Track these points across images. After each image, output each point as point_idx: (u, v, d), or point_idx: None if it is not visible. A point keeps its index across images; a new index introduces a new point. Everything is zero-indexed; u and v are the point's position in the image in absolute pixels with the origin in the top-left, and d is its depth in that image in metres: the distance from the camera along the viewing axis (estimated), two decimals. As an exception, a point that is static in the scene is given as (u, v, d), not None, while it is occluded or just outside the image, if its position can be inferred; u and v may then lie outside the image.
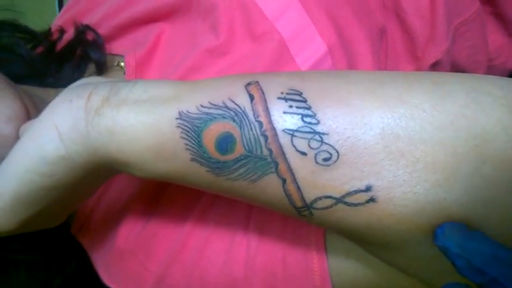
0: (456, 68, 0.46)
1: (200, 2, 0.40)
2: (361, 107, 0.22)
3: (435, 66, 0.42)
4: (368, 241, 0.24)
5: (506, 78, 0.24)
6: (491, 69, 0.49)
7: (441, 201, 0.21)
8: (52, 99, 0.26)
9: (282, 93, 0.23)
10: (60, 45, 0.47)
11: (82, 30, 0.45)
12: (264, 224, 0.32)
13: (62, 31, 0.47)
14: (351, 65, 0.39)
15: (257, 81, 0.24)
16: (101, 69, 0.45)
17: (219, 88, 0.24)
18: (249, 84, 0.23)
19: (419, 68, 0.43)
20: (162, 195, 0.37)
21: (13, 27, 0.46)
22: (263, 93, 0.23)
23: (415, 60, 0.43)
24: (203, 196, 0.35)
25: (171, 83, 0.25)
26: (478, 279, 0.21)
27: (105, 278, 0.38)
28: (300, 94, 0.23)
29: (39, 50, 0.48)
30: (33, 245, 0.43)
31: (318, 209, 0.23)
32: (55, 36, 0.47)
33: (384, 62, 0.43)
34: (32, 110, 0.35)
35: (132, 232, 0.37)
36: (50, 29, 0.49)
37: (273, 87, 0.23)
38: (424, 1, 0.42)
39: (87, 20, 0.46)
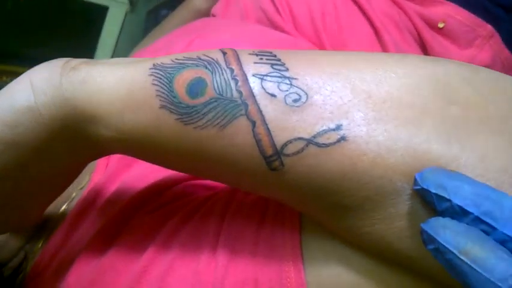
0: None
1: None
2: (327, 62, 0.24)
3: None
4: (343, 202, 0.22)
5: None
6: None
7: (413, 137, 0.21)
8: None
9: (253, 51, 0.24)
10: None
11: None
12: (235, 241, 0.29)
13: None
14: None
15: (230, 48, 0.25)
16: None
17: (196, 51, 0.25)
18: (223, 48, 0.25)
19: None
20: (120, 232, 0.34)
21: None
22: (235, 51, 0.24)
23: None
24: (167, 224, 0.32)
25: None
26: (461, 220, 0.19)
27: None
28: (270, 52, 0.24)
29: None
30: None
31: (288, 155, 0.22)
32: None
33: None
34: None
35: (84, 270, 0.32)
36: None
37: (245, 50, 0.25)
38: None
39: None
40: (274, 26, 0.61)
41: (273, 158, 0.22)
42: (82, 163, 0.29)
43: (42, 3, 1.01)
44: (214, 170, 0.25)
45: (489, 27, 0.57)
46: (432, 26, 0.58)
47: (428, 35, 0.57)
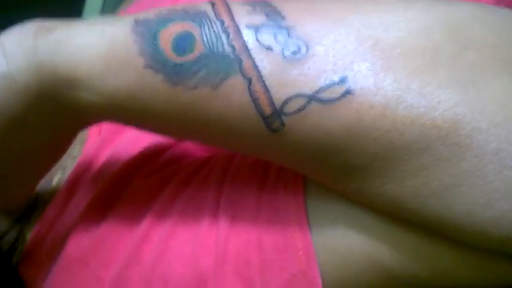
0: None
1: None
2: (329, 6, 0.21)
3: None
4: (351, 162, 0.20)
5: None
6: None
7: (425, 85, 0.19)
8: None
9: (245, 1, 0.22)
10: None
11: None
12: (235, 206, 0.28)
13: None
14: None
15: None
16: None
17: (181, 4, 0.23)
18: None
19: None
20: (116, 199, 0.32)
21: None
22: (225, 1, 0.22)
23: None
24: (165, 189, 0.31)
25: None
26: None
27: None
28: (265, 1, 0.22)
29: None
30: None
31: (289, 114, 0.20)
32: None
33: None
34: None
35: (83, 238, 0.31)
36: None
37: (237, 1, 0.22)
38: None
39: None
40: None
41: (273, 118, 0.20)
42: (66, 135, 0.27)
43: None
44: (208, 134, 0.23)
45: None
46: None
47: None
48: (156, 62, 0.21)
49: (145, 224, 0.29)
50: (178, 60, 0.20)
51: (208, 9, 0.21)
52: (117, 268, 0.28)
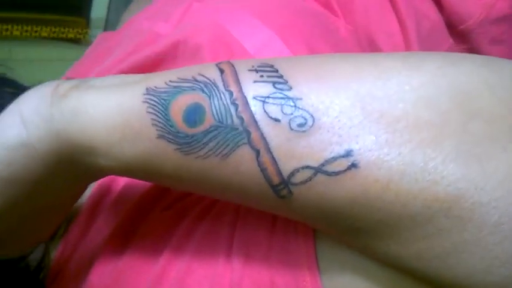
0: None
1: (186, 47, 0.42)
2: (334, 72, 0.22)
3: None
4: (356, 225, 0.21)
5: None
6: None
7: (429, 160, 0.19)
8: None
9: (252, 66, 0.22)
10: None
11: None
12: (248, 246, 0.29)
13: None
14: None
15: (228, 60, 0.23)
16: None
17: (190, 68, 0.23)
18: (220, 62, 0.23)
19: None
20: (136, 231, 0.34)
21: (0, 81, 0.47)
22: (234, 67, 0.22)
23: None
24: (181, 224, 0.32)
25: (141, 74, 0.25)
26: None
27: None
28: (272, 66, 0.22)
29: None
30: None
31: (296, 184, 0.21)
32: None
33: None
34: None
35: (106, 269, 0.33)
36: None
37: (244, 62, 0.23)
38: (398, 40, 0.44)
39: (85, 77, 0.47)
40: None
41: (281, 187, 0.21)
42: (86, 185, 0.29)
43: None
44: (219, 194, 0.24)
45: None
46: None
47: None
48: (169, 133, 0.22)
49: (163, 260, 0.30)
50: (190, 131, 0.21)
51: (217, 77, 0.22)
52: None
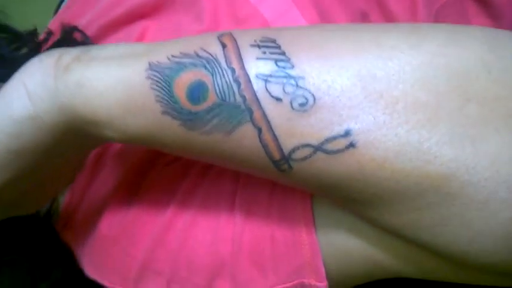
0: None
1: None
2: (336, 51, 0.22)
3: None
4: (352, 197, 0.23)
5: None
6: None
7: (424, 141, 0.20)
8: None
9: (255, 40, 0.22)
10: (46, 46, 0.46)
11: (69, 31, 0.45)
12: (250, 203, 0.31)
13: (49, 33, 0.46)
14: None
15: (230, 32, 0.23)
16: None
17: (191, 40, 0.23)
18: (221, 35, 0.23)
19: None
20: (142, 182, 0.36)
21: None
22: (236, 41, 0.22)
23: None
24: (185, 179, 0.34)
25: (143, 43, 0.25)
26: None
27: (89, 272, 0.36)
28: (274, 41, 0.22)
29: (24, 51, 0.47)
30: (15, 246, 0.41)
31: (296, 160, 0.22)
32: (42, 38, 0.47)
33: None
34: None
35: (114, 219, 0.35)
36: (35, 30, 0.48)
37: (246, 36, 0.23)
38: None
39: (78, 23, 0.46)
40: None
41: (281, 162, 0.22)
42: (93, 148, 0.30)
43: None
44: (222, 164, 0.25)
45: None
46: None
47: None
48: (173, 109, 0.22)
49: (169, 213, 0.32)
50: (193, 109, 0.22)
51: (219, 53, 0.22)
52: (145, 248, 0.33)
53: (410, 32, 0.22)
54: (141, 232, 0.34)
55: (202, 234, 0.31)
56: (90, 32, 0.45)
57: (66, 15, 0.50)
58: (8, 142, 0.23)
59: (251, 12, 0.37)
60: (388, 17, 0.42)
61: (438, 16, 0.43)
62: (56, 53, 0.24)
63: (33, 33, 0.46)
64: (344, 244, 0.28)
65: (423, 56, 0.21)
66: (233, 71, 0.21)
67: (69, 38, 0.44)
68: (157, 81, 0.22)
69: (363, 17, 0.42)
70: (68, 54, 0.24)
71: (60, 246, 0.41)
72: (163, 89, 0.22)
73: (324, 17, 0.38)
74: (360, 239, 0.27)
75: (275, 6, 0.38)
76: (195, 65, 0.22)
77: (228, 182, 0.32)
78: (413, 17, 0.42)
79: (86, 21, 0.46)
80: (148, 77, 0.22)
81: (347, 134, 0.21)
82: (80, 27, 0.45)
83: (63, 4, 0.56)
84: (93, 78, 0.23)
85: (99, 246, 0.35)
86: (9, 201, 0.27)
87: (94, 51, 0.24)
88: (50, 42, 0.45)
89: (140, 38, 0.42)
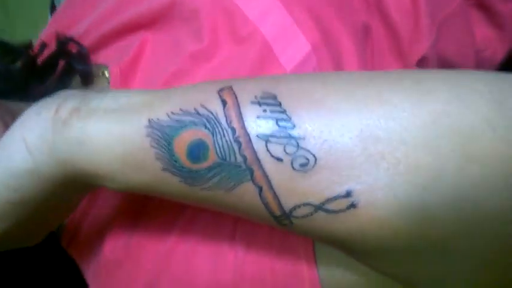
0: (444, 63, 0.45)
1: (182, 9, 0.39)
2: (338, 109, 0.21)
3: (422, 63, 0.42)
4: (351, 249, 0.23)
5: (492, 72, 0.23)
6: (481, 62, 0.48)
7: (425, 204, 0.20)
8: None
9: (255, 97, 0.22)
10: (41, 59, 0.46)
11: (64, 42, 0.44)
12: (251, 236, 0.31)
13: (43, 45, 0.45)
14: (336, 63, 0.38)
15: (230, 86, 0.23)
16: (86, 80, 0.43)
17: (191, 95, 0.23)
18: (221, 89, 0.23)
19: (406, 65, 0.42)
20: (146, 208, 0.36)
21: None
22: (236, 98, 0.22)
23: (400, 57, 0.42)
24: (187, 208, 0.34)
25: (142, 92, 0.24)
26: None
27: None
28: (275, 97, 0.22)
29: (19, 64, 0.46)
30: (23, 261, 0.42)
31: (297, 217, 0.22)
32: (36, 49, 0.46)
33: (370, 60, 0.42)
34: None
35: (118, 243, 0.36)
36: (30, 43, 0.47)
37: (247, 91, 0.22)
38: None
39: (73, 33, 0.45)
40: None
41: (282, 218, 0.22)
42: (92, 191, 0.30)
43: None
44: (225, 212, 0.26)
45: None
46: None
47: None
48: (173, 167, 0.22)
49: (171, 241, 0.33)
50: (194, 167, 0.22)
51: (219, 111, 0.22)
52: (149, 273, 0.33)
53: (413, 88, 0.22)
54: (145, 258, 0.34)
55: (203, 263, 0.32)
56: (88, 41, 0.44)
57: (61, 21, 0.49)
58: (7, 194, 0.24)
59: (251, 31, 0.36)
60: (390, 28, 0.42)
61: (442, 26, 0.42)
62: (54, 104, 0.24)
63: (27, 46, 0.46)
64: (344, 281, 0.28)
65: (426, 115, 0.21)
66: (234, 130, 0.21)
67: (65, 49, 0.44)
68: (157, 140, 0.22)
69: (364, 29, 0.41)
70: (66, 106, 0.24)
71: (66, 258, 0.41)
72: (164, 148, 0.22)
73: (325, 34, 0.37)
74: (361, 276, 0.28)
75: (275, 24, 0.37)
76: (195, 124, 0.22)
77: (230, 216, 0.32)
78: (415, 26, 0.41)
79: (83, 29, 0.45)
80: (148, 135, 0.22)
81: (348, 194, 0.21)
82: (76, 35, 0.44)
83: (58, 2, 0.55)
84: (93, 136, 0.23)
85: (104, 268, 0.36)
86: (9, 243, 0.28)
87: (94, 102, 0.24)
88: (45, 54, 0.45)
89: (139, 51, 0.42)
